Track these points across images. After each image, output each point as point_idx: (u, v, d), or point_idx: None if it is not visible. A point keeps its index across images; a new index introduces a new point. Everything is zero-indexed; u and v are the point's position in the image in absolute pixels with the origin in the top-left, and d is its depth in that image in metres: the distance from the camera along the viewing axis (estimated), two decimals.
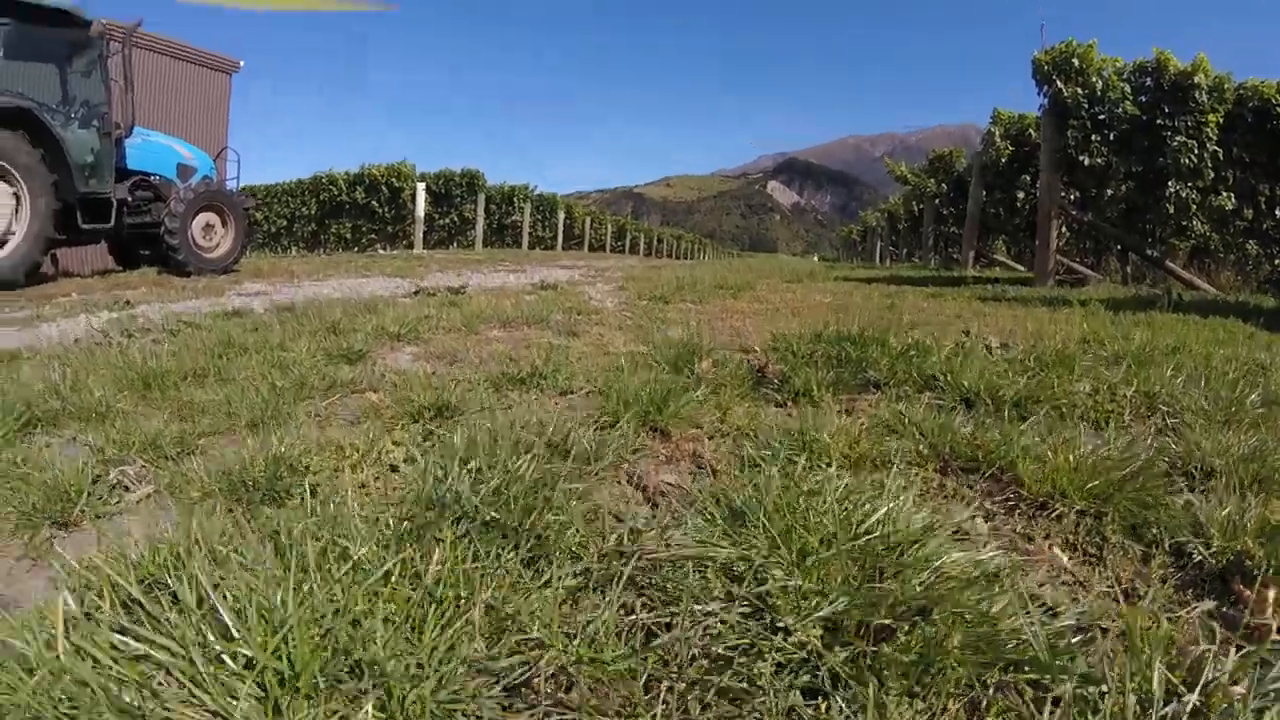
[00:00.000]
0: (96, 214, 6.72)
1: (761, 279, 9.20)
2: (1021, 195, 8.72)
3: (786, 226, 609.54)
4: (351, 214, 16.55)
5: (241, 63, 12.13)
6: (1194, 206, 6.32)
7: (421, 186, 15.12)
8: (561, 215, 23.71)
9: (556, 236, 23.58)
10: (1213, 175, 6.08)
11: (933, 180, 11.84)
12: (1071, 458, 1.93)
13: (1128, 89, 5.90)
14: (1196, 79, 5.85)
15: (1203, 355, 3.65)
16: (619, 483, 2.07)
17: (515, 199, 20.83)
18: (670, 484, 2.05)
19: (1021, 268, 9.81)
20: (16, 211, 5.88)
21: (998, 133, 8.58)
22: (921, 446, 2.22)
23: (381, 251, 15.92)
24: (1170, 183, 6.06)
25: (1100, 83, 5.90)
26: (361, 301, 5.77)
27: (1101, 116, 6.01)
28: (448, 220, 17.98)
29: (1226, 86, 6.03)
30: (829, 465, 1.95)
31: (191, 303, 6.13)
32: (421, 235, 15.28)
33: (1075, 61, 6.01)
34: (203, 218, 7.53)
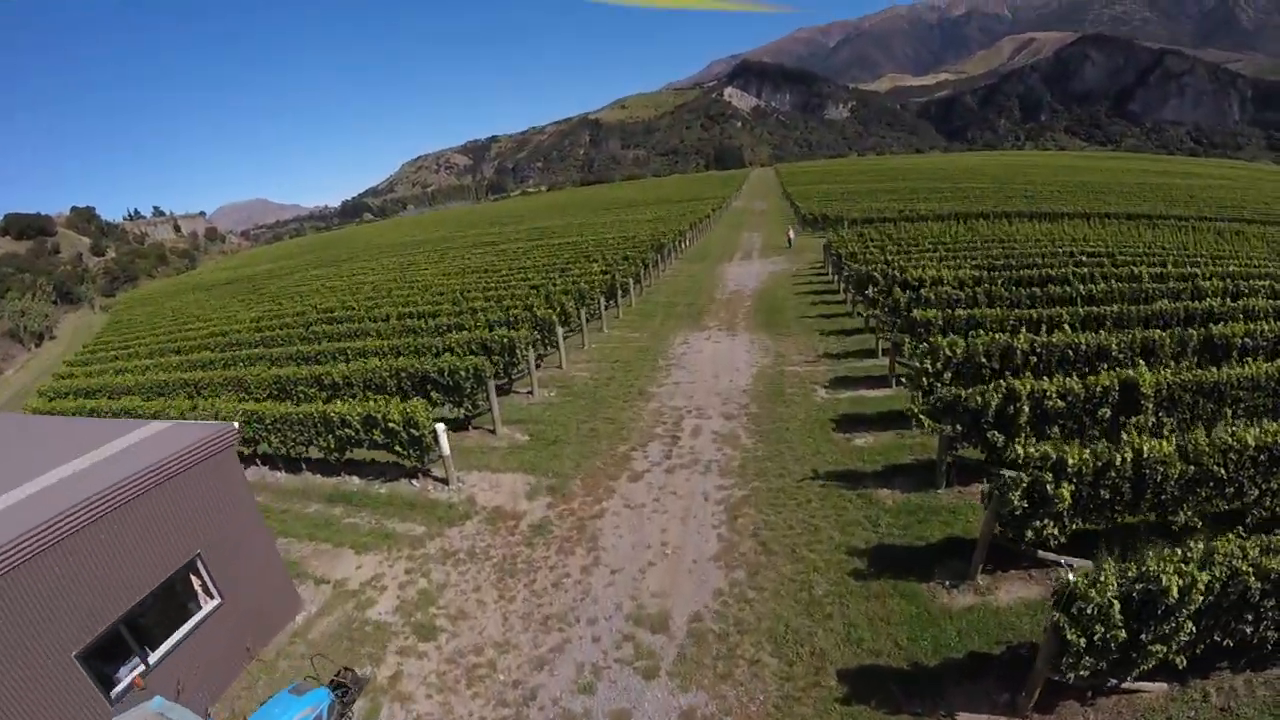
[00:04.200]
0: None
1: None
2: (1030, 534, 9.90)
3: (749, 132, 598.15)
4: (369, 447, 16.98)
5: (237, 424, 12.03)
6: None
7: (441, 427, 15.95)
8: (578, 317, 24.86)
9: (583, 333, 24.79)
10: None
11: (949, 424, 12.86)
12: None
13: (1122, 633, 7.04)
14: (1169, 600, 7.03)
15: None
16: None
17: (517, 347, 21.34)
18: None
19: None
20: None
21: (1016, 496, 9.66)
22: None
23: (414, 485, 16.73)
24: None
25: (1101, 629, 7.03)
26: None
27: (1096, 639, 7.18)
28: (460, 412, 18.89)
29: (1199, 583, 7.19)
30: None
31: None
32: (454, 470, 16.40)
33: (1081, 603, 7.15)
34: None
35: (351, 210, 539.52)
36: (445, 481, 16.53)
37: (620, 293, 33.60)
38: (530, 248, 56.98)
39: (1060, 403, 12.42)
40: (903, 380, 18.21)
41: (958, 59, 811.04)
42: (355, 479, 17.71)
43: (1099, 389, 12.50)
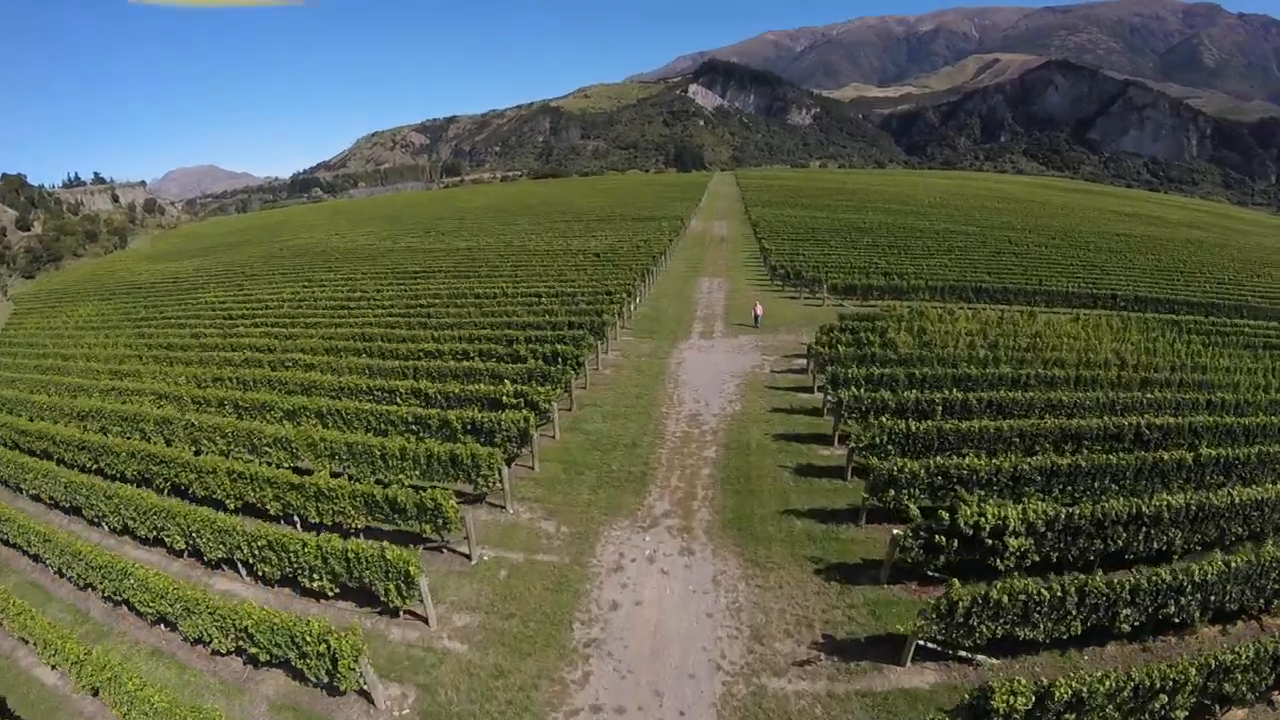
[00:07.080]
0: None
1: None
2: None
3: (711, 131, 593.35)
4: None
5: None
6: None
7: None
8: None
9: (471, 536, 16.33)
10: None
11: None
12: None
13: None
14: None
15: None
16: None
17: (341, 660, 13.06)
18: None
19: None
20: None
21: None
22: None
23: None
24: None
25: None
26: None
27: None
28: None
29: None
30: None
31: None
32: None
33: None
34: None
35: (301, 185, 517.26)
36: None
37: (533, 433, 24.58)
38: (449, 299, 48.88)
39: None
40: None
41: (922, 74, 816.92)
42: None
43: None
